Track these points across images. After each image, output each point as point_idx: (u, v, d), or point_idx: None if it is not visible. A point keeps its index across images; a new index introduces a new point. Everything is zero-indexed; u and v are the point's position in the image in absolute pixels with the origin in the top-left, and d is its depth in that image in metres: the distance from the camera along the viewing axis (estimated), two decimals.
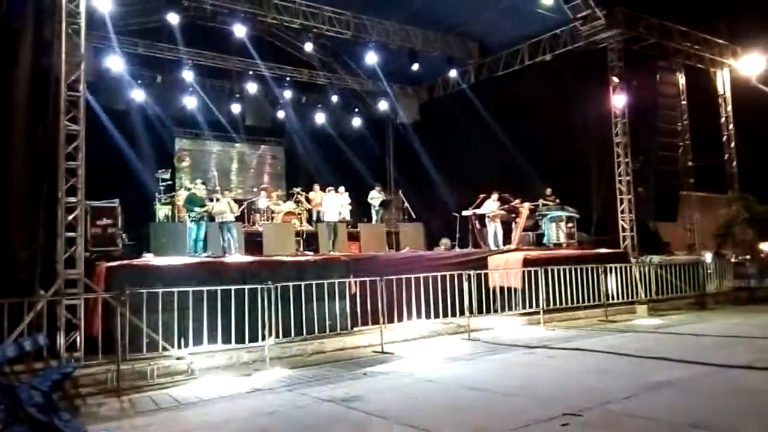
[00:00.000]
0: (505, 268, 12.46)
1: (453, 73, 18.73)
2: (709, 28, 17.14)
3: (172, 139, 19.31)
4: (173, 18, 13.89)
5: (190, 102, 18.85)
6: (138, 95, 17.74)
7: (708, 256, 15.90)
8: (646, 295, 13.58)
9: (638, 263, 14.15)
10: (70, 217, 8.72)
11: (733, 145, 17.88)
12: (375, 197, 17.39)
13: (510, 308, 12.02)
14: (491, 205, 15.13)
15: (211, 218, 13.12)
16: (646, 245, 15.33)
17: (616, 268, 13.18)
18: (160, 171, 16.19)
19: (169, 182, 16.27)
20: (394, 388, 7.00)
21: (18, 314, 7.51)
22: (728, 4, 16.49)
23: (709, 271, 15.25)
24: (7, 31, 8.61)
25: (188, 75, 17.99)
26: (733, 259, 16.48)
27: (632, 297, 13.40)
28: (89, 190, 9.25)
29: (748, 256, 16.50)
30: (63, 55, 8.86)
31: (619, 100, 15.13)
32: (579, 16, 15.05)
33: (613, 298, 12.90)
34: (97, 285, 8.85)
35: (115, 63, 16.29)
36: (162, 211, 15.51)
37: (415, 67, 17.18)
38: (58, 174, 8.66)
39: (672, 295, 14.03)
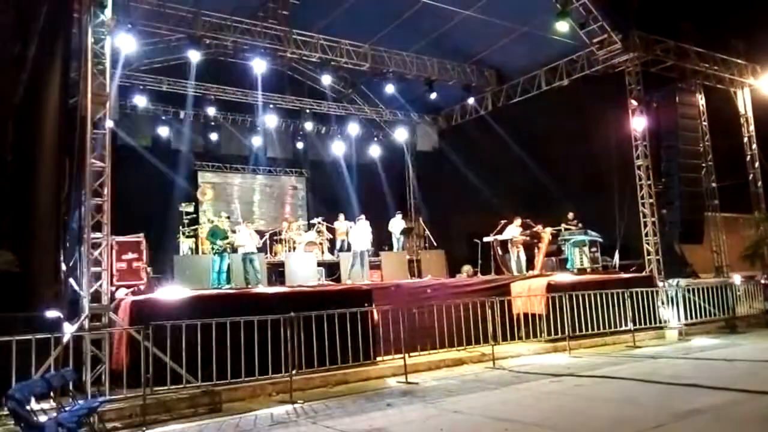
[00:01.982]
0: (529, 295, 12.34)
1: (471, 101, 18.81)
2: (727, 48, 17.09)
3: (195, 173, 19.64)
4: (195, 55, 14.23)
5: (213, 136, 19.20)
6: (162, 130, 18.12)
7: (737, 278, 15.58)
8: (674, 320, 13.32)
9: (665, 287, 13.91)
10: (96, 253, 8.87)
11: (757, 164, 17.63)
12: (396, 225, 17.42)
13: (535, 335, 11.88)
14: (513, 231, 15.05)
15: (234, 250, 13.25)
16: (672, 268, 15.08)
17: (642, 292, 12.98)
18: (183, 204, 16.44)
19: (193, 215, 16.50)
20: (418, 420, 6.91)
21: (45, 349, 7.61)
22: (744, 24, 16.44)
23: (738, 293, 14.93)
24: (37, 72, 8.89)
25: (210, 110, 18.36)
26: (763, 281, 16.12)
27: (660, 321, 13.16)
28: (114, 225, 9.43)
29: None
30: (89, 95, 9.13)
31: (638, 123, 15.06)
32: (595, 41, 15.12)
33: (640, 323, 12.67)
34: (123, 319, 8.95)
35: (140, 100, 16.71)
36: (186, 244, 15.71)
37: (433, 95, 17.32)
38: (84, 210, 8.85)
39: (701, 319, 13.74)
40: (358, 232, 14.73)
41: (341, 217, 17.20)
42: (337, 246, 17.11)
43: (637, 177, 15.02)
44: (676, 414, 6.32)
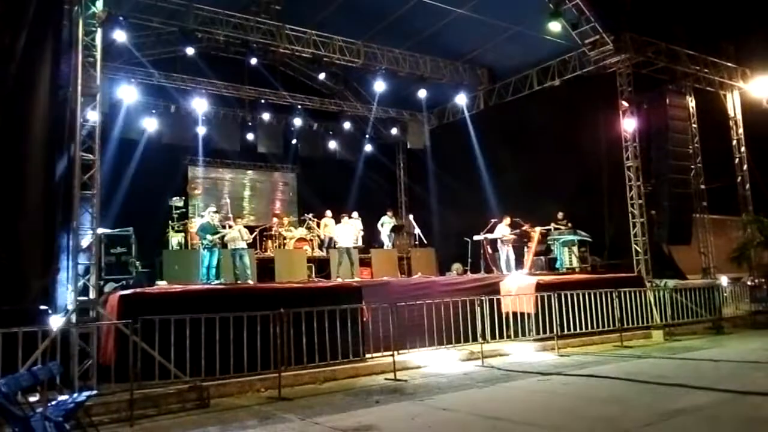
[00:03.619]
0: (518, 294, 12.39)
1: (462, 99, 18.85)
2: (718, 52, 17.25)
3: (185, 167, 19.51)
4: (187, 49, 14.14)
5: (203, 130, 19.06)
6: (152, 124, 17.98)
7: (724, 280, 15.72)
8: (661, 320, 13.43)
9: (653, 287, 14.02)
10: (85, 246, 8.81)
11: (745, 167, 17.82)
12: (386, 222, 17.42)
13: (523, 334, 11.94)
14: (503, 230, 15.10)
15: (224, 245, 13.19)
16: (661, 269, 15.19)
17: (630, 292, 13.07)
18: (173, 199, 16.33)
19: (183, 210, 16.40)
20: (407, 417, 6.92)
21: (32, 343, 7.55)
22: (735, 28, 16.60)
23: (725, 294, 15.07)
24: (27, 64, 8.81)
25: (202, 104, 18.24)
26: (749, 283, 16.28)
27: (647, 322, 13.26)
28: (103, 218, 9.37)
29: (764, 279, 16.29)
30: (79, 87, 9.05)
31: (629, 124, 15.15)
32: (587, 41, 15.19)
33: (628, 323, 12.75)
34: (111, 313, 8.90)
35: (130, 93, 16.58)
36: (175, 239, 15.61)
37: (424, 93, 17.31)
38: (73, 203, 8.78)
39: (688, 320, 13.86)
40: (343, 230, 14.68)
41: (328, 214, 17.18)
42: (325, 243, 17.09)
43: (626, 177, 15.12)
44: (662, 413, 6.37)
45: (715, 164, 17.70)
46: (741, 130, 18.02)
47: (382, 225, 17.41)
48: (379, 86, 17.18)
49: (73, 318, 8.41)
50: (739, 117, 18.06)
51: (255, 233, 15.69)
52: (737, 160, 17.95)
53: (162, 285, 11.71)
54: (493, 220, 15.24)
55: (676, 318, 13.68)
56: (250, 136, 20.19)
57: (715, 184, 17.63)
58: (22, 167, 8.73)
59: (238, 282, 12.55)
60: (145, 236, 13.90)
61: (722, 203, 17.92)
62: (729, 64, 17.54)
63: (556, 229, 15.71)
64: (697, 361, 10.03)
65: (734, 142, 18.02)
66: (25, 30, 8.70)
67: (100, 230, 9.57)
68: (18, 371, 6.59)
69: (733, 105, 18.13)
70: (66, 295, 8.70)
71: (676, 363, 10.01)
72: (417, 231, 18.16)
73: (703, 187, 17.36)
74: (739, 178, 17.86)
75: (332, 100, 20.83)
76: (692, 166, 17.14)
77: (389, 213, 17.83)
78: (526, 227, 15.11)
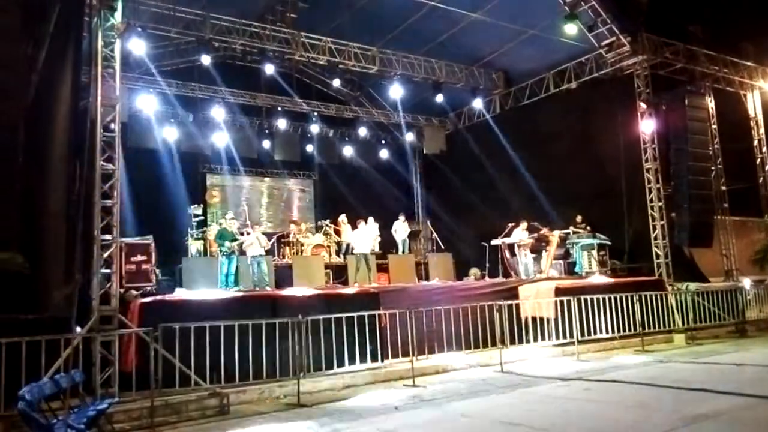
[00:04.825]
0: (537, 298, 12.30)
1: (478, 104, 18.81)
2: (737, 51, 17.02)
3: (203, 175, 19.71)
4: (205, 59, 14.30)
5: (221, 138, 19.24)
6: (170, 133, 18.19)
7: (747, 282, 15.47)
8: (683, 324, 13.25)
9: (674, 291, 13.84)
10: (106, 255, 8.91)
11: (766, 168, 17.55)
12: (399, 227, 17.39)
13: (543, 339, 11.84)
14: (520, 234, 15.00)
15: (242, 252, 13.27)
16: (681, 272, 14.99)
17: (651, 296, 12.91)
18: (192, 207, 16.48)
19: (201, 218, 16.54)
20: (426, 424, 6.90)
21: (55, 351, 7.65)
22: (754, 27, 16.37)
23: (748, 297, 14.82)
24: (48, 75, 8.95)
25: (219, 112, 18.41)
26: None
27: (669, 326, 13.09)
28: (123, 227, 9.47)
29: None
30: (99, 98, 9.18)
31: (647, 126, 14.99)
32: (604, 43, 15.09)
33: (649, 327, 12.60)
34: (132, 321, 8.99)
35: (149, 103, 16.80)
36: (194, 246, 15.73)
37: (440, 98, 17.31)
38: (93, 212, 8.89)
39: (710, 323, 13.66)
40: (360, 235, 14.69)
41: (343, 219, 17.20)
42: (342, 249, 17.12)
43: (645, 180, 14.95)
44: (684, 418, 6.29)
45: (735, 165, 17.44)
46: (762, 130, 17.74)
47: (395, 231, 17.39)
48: (395, 92, 17.20)
49: (95, 326, 8.49)
50: (760, 117, 17.78)
51: (273, 240, 15.77)
52: (758, 160, 17.68)
53: (182, 292, 11.80)
54: (510, 225, 15.15)
55: (699, 322, 13.47)
56: (266, 144, 20.35)
57: (736, 186, 17.37)
58: (44, 177, 8.85)
59: (256, 289, 12.61)
60: (164, 244, 14.06)
61: (743, 205, 17.65)
62: (748, 63, 17.32)
63: (575, 232, 15.58)
64: (720, 365, 9.87)
65: (755, 143, 17.76)
66: (46, 42, 8.83)
67: (121, 239, 9.66)
68: (41, 379, 6.68)
69: (753, 105, 17.86)
70: (87, 303, 8.79)
71: (698, 367, 9.86)
72: (434, 236, 18.13)
73: (723, 188, 17.11)
74: (761, 178, 17.58)
75: (348, 106, 20.93)
76: (712, 168, 16.88)
77: (401, 218, 17.78)
78: (544, 231, 15.01)
